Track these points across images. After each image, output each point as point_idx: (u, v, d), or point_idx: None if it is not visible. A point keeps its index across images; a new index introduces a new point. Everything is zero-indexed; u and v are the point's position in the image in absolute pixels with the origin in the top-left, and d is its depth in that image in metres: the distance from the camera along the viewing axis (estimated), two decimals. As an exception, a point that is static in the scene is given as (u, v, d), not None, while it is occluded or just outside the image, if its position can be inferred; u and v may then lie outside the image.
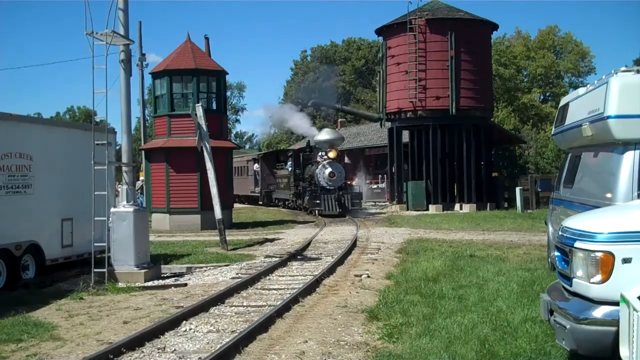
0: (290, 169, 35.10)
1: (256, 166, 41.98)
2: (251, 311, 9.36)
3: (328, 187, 29.52)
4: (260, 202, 41.32)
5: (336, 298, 10.10)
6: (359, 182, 37.21)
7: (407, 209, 31.56)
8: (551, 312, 5.99)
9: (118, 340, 7.57)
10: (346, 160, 42.29)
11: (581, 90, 9.63)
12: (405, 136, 34.49)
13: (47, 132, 13.48)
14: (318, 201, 29.13)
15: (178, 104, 25.06)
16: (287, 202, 36.25)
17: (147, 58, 34.86)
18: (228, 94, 57.40)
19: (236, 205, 40.59)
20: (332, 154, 30.00)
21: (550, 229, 10.62)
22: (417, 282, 11.00)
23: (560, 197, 10.21)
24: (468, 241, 17.66)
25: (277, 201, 38.75)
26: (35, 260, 12.75)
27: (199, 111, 18.46)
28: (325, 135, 31.33)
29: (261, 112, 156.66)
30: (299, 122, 41.32)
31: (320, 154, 31.05)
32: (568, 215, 7.65)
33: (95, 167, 12.18)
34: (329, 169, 29.69)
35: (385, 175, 39.35)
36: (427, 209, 31.21)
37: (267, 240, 19.67)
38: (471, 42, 31.95)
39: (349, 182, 32.06)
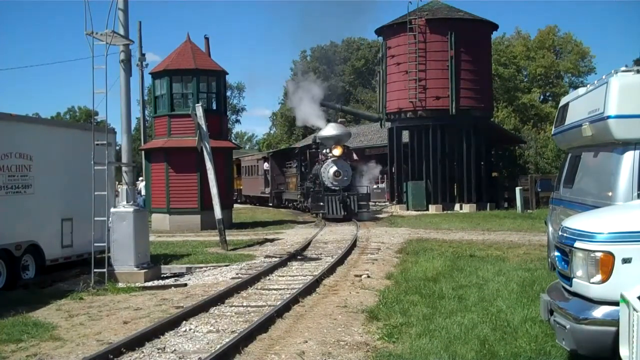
0: (297, 167, 32.93)
1: (266, 165, 39.13)
2: (251, 311, 9.36)
3: (333, 188, 26.78)
4: (270, 204, 38.50)
5: (336, 298, 10.09)
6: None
7: (407, 209, 31.54)
8: (551, 312, 5.99)
9: (118, 341, 7.57)
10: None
11: (581, 90, 9.61)
12: (405, 136, 34.46)
13: (47, 132, 13.50)
14: (321, 203, 26.42)
15: (178, 104, 25.05)
16: (296, 203, 33.81)
17: (147, 58, 34.91)
18: (228, 94, 57.34)
19: (246, 206, 40.16)
20: (337, 151, 27.23)
21: (550, 229, 10.61)
22: (417, 282, 11.00)
23: (560, 197, 10.20)
24: (468, 241, 17.66)
25: (287, 202, 35.97)
26: (35, 260, 12.74)
27: (199, 111, 18.46)
28: (330, 130, 28.51)
29: (261, 112, 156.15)
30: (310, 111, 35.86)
31: (324, 151, 28.54)
32: (568, 215, 7.64)
33: (95, 167, 12.18)
34: (334, 168, 27.09)
35: (385, 175, 39.28)
36: (427, 209, 31.20)
37: (267, 240, 19.66)
38: (471, 42, 31.98)
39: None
